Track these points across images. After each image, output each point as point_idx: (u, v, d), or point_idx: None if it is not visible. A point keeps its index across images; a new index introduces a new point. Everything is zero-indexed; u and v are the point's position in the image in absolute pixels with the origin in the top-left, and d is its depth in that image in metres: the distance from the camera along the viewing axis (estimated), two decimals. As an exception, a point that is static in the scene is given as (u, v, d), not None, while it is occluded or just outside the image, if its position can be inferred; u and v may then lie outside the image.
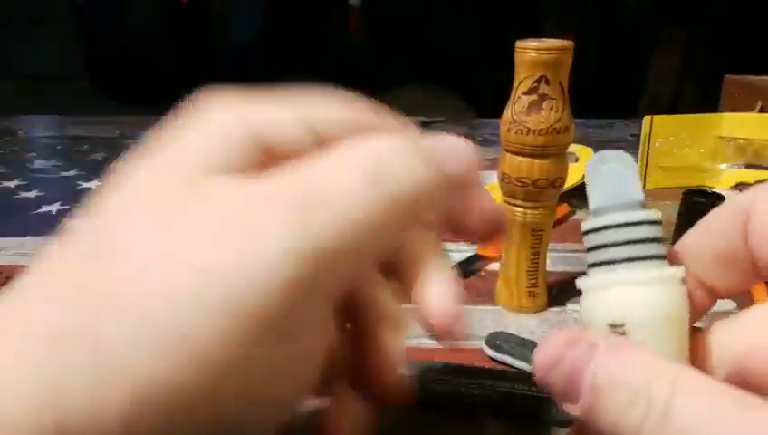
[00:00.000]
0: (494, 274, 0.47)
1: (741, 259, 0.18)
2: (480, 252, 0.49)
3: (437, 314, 0.18)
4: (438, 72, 2.03)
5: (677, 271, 0.18)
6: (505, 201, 0.38)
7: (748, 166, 0.65)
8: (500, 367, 0.35)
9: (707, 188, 0.55)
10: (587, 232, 0.18)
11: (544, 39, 0.34)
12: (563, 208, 0.57)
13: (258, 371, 0.15)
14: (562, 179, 0.37)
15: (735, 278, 0.18)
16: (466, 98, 1.96)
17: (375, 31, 2.10)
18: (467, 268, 0.47)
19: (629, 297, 0.17)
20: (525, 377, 0.33)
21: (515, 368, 0.34)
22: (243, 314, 0.14)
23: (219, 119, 0.17)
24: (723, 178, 0.65)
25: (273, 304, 0.14)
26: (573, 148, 0.68)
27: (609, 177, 0.18)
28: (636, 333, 0.17)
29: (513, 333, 0.37)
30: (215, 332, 0.13)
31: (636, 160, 0.19)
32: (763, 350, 0.16)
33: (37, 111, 1.12)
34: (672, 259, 0.18)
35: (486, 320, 0.39)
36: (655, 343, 0.17)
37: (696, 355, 0.18)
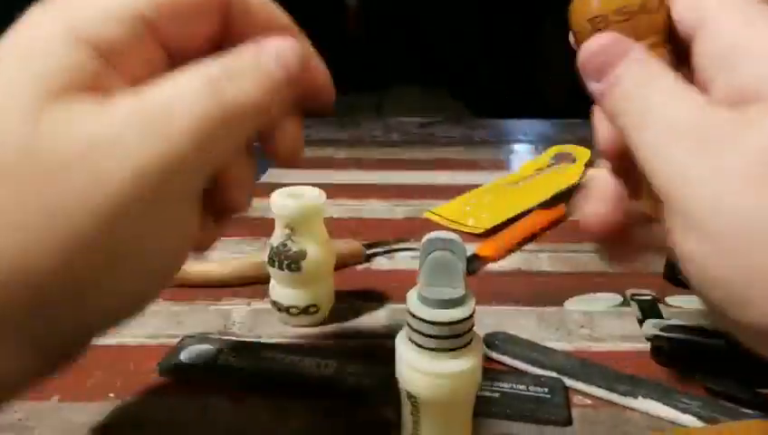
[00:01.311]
0: (493, 275, 0.47)
1: None
2: (478, 252, 0.49)
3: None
4: (437, 71, 2.04)
5: (470, 361, 0.22)
6: None
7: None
8: (498, 367, 0.35)
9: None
10: (410, 313, 0.21)
11: None
12: (561, 209, 0.57)
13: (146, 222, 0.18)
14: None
15: None
16: (465, 97, 1.97)
17: (374, 30, 2.10)
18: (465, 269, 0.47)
19: (424, 383, 0.22)
20: (523, 377, 0.33)
21: (514, 368, 0.34)
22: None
23: (47, 32, 0.18)
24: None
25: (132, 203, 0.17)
26: (571, 148, 0.68)
27: (437, 266, 0.21)
28: (424, 408, 0.22)
29: (511, 333, 0.37)
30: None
31: (464, 250, 0.22)
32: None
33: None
34: None
35: (484, 320, 0.39)
36: (440, 418, 0.22)
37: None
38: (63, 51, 0.17)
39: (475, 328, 0.23)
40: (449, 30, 2.10)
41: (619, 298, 0.42)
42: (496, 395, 0.31)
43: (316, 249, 0.37)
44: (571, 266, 0.48)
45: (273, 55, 0.20)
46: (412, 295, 0.22)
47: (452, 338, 0.21)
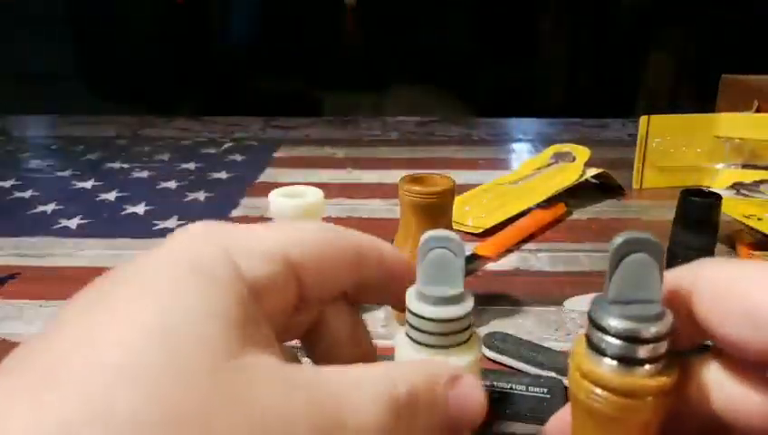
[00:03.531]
0: (493, 274, 0.47)
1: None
2: (477, 252, 0.49)
3: None
4: (435, 71, 2.03)
5: (468, 357, 0.21)
6: None
7: (745, 166, 0.65)
8: (497, 367, 0.35)
9: (705, 188, 0.55)
10: (409, 310, 0.21)
11: None
12: (560, 208, 0.57)
13: None
14: None
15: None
16: (465, 96, 1.96)
17: (372, 31, 2.10)
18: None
19: None
20: (523, 377, 0.33)
21: (513, 368, 0.34)
22: None
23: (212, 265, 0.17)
24: (719, 177, 0.65)
25: None
26: (570, 148, 0.68)
27: (435, 264, 0.21)
28: None
29: (510, 333, 0.37)
30: None
31: (463, 247, 0.21)
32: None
33: (32, 111, 1.12)
34: None
35: (483, 320, 0.39)
36: None
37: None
38: (236, 286, 0.17)
39: (474, 327, 0.23)
40: (448, 29, 2.10)
41: (619, 298, 0.42)
42: (496, 395, 0.31)
43: (315, 249, 0.37)
44: (570, 266, 0.48)
45: (460, 405, 0.19)
46: (411, 293, 0.22)
47: (450, 335, 0.21)
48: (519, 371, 0.34)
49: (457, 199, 0.60)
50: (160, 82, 1.98)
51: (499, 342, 0.35)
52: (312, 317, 0.22)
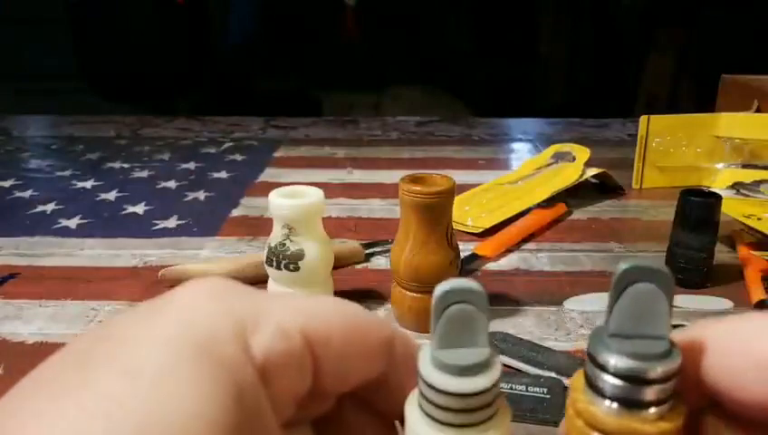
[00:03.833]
0: (492, 274, 0.47)
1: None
2: (477, 252, 0.48)
3: None
4: (435, 71, 2.03)
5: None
6: None
7: (745, 166, 0.65)
8: (497, 367, 0.35)
9: (705, 188, 0.55)
10: (423, 379, 0.18)
11: None
12: (560, 208, 0.57)
13: None
14: None
15: None
16: (464, 96, 1.96)
17: (372, 31, 2.10)
18: (465, 267, 0.46)
19: None
20: (523, 377, 0.33)
21: (513, 368, 0.34)
22: None
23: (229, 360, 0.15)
24: (719, 177, 0.65)
25: None
26: (570, 147, 0.68)
27: (455, 322, 0.17)
28: None
29: (510, 332, 0.37)
30: None
31: (486, 300, 0.16)
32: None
33: (32, 111, 1.12)
34: None
35: (484, 320, 0.39)
36: None
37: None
38: (242, 372, 0.15)
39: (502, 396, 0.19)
40: (448, 29, 2.10)
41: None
42: (496, 395, 0.31)
43: (315, 249, 0.37)
44: (570, 266, 0.48)
45: None
46: (425, 356, 0.18)
47: (473, 412, 0.17)
48: (519, 371, 0.34)
49: (457, 199, 0.60)
50: (160, 82, 1.98)
51: (499, 342, 0.35)
52: (326, 408, 0.19)
